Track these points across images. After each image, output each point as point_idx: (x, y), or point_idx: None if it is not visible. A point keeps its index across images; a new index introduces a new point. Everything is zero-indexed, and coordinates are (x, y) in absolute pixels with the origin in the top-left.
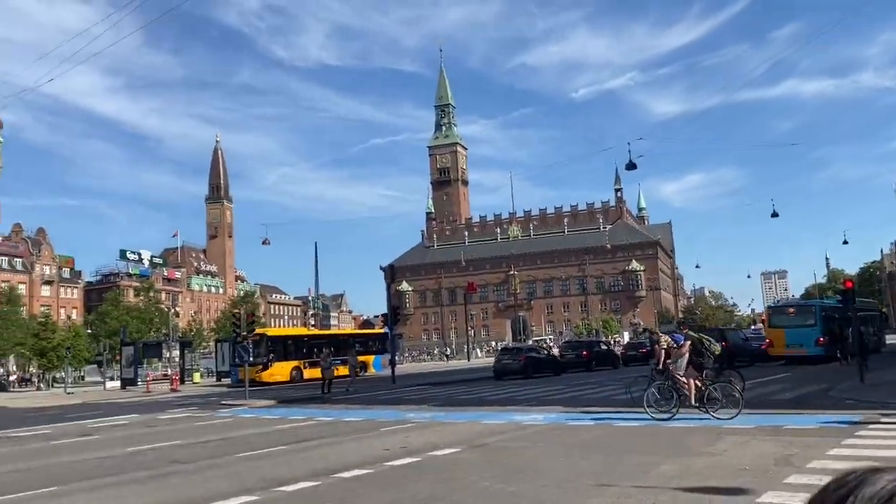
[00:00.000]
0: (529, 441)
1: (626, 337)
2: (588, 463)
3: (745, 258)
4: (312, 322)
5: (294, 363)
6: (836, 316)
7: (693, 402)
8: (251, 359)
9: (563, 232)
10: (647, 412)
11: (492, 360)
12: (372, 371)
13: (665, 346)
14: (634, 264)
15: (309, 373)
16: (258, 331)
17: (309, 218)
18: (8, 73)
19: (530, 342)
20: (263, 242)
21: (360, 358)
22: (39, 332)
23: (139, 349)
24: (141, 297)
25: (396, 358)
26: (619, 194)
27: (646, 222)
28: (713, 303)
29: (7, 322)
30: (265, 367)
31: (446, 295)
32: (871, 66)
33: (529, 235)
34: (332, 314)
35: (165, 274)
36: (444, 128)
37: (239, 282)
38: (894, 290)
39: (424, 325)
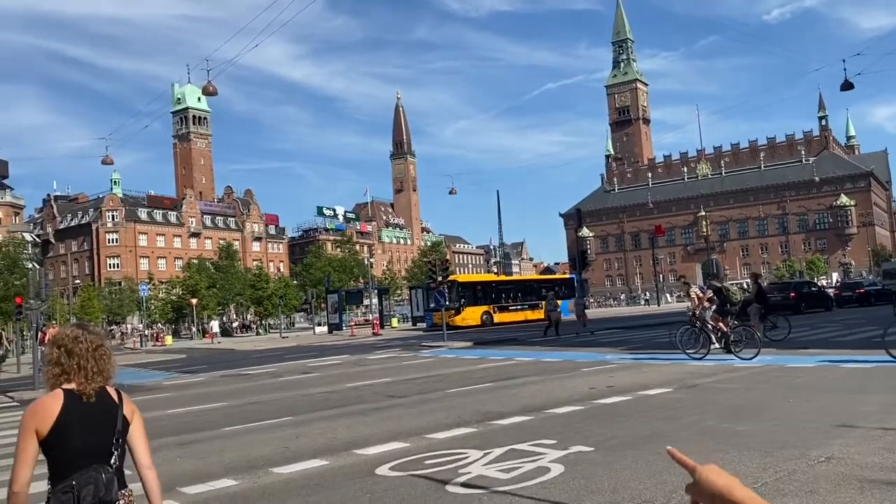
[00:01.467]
0: (745, 383)
1: (835, 278)
2: (818, 404)
3: None
4: (495, 269)
5: (484, 308)
6: None
7: (718, 344)
8: (446, 302)
9: (759, 167)
10: (684, 352)
11: (683, 305)
12: (560, 316)
13: (699, 295)
14: (843, 199)
15: (498, 317)
16: (450, 277)
17: (488, 169)
18: (212, 48)
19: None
20: (450, 192)
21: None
22: (255, 283)
23: (342, 296)
24: (340, 250)
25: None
26: (823, 122)
27: (856, 152)
28: None
29: (227, 275)
30: (457, 312)
31: (629, 240)
32: None
33: (721, 173)
34: (512, 262)
35: (358, 228)
36: (622, 64)
37: (425, 233)
38: None
39: (607, 270)
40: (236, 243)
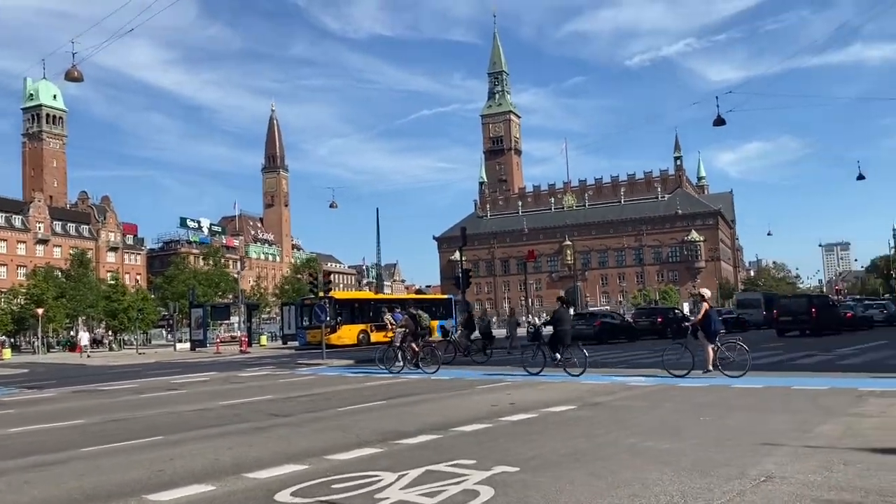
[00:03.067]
0: (647, 401)
1: (686, 308)
2: (733, 422)
3: (805, 230)
4: (367, 289)
5: (361, 326)
6: None
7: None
8: (327, 318)
9: (620, 201)
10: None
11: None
12: (436, 335)
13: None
14: (694, 234)
15: (375, 336)
16: (322, 294)
17: (361, 189)
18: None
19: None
20: (331, 205)
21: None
22: (110, 295)
23: (207, 311)
24: (208, 262)
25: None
26: (678, 162)
27: (705, 192)
28: (776, 274)
29: (79, 284)
30: (333, 330)
31: (499, 265)
32: None
33: (584, 205)
34: (385, 283)
35: (224, 242)
36: (497, 96)
37: (295, 250)
38: None
39: (478, 294)
40: (89, 253)
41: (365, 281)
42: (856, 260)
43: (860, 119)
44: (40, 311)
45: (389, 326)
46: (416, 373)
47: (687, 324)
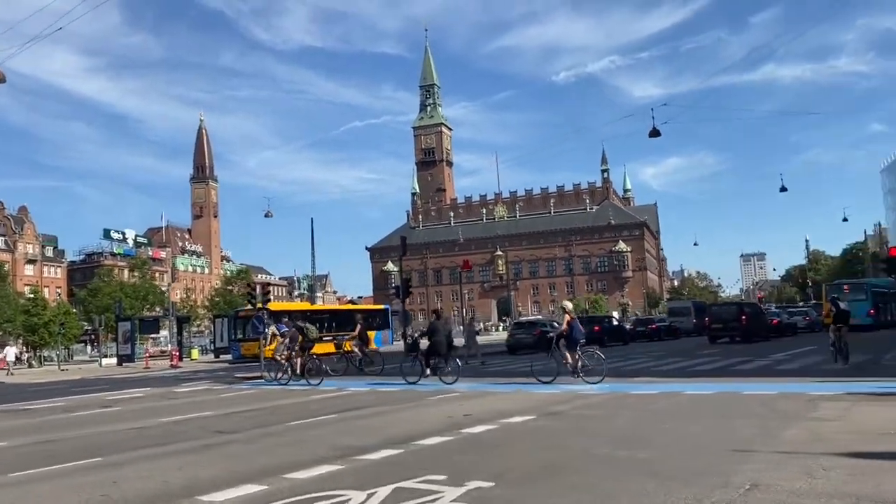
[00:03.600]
0: (605, 409)
1: (615, 316)
2: (699, 429)
3: (724, 241)
4: (300, 301)
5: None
6: (884, 291)
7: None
8: (265, 330)
9: (549, 213)
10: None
11: (485, 338)
12: (373, 346)
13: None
14: (621, 245)
15: (320, 348)
16: (260, 305)
17: (292, 200)
18: None
19: (479, 324)
20: (266, 215)
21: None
22: (29, 309)
23: (136, 325)
24: (134, 274)
25: (392, 335)
26: (605, 175)
27: (631, 204)
28: (699, 283)
29: None
30: (268, 342)
31: (432, 275)
32: (848, 51)
33: (515, 216)
34: (316, 294)
35: (150, 253)
36: (428, 108)
37: (224, 262)
38: (877, 271)
39: (410, 305)
40: (7, 265)
41: (296, 292)
42: (774, 269)
43: (773, 135)
44: None
45: (278, 340)
46: (300, 384)
47: (552, 334)
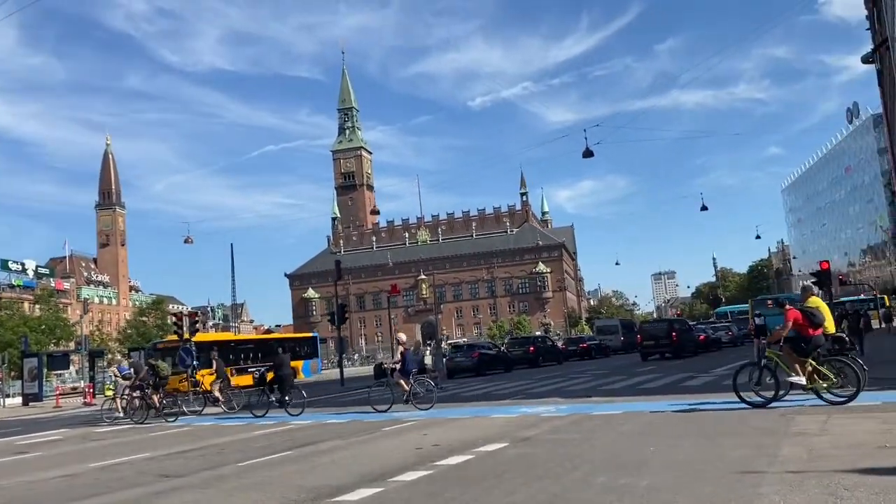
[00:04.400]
0: (576, 432)
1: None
2: (688, 451)
3: (636, 261)
4: (214, 331)
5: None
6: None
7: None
8: (194, 362)
9: (471, 236)
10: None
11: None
12: (301, 377)
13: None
14: (541, 266)
15: (236, 380)
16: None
17: (203, 226)
18: None
19: (444, 345)
20: (186, 241)
21: (290, 363)
22: None
23: (43, 361)
24: (37, 307)
25: (321, 363)
26: (524, 198)
27: (549, 226)
28: (616, 302)
29: None
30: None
31: (355, 301)
32: (745, 78)
33: (438, 240)
34: (231, 324)
35: (53, 285)
36: (347, 132)
37: (133, 292)
38: (781, 286)
39: (332, 331)
40: None
41: (210, 322)
42: (688, 287)
43: (679, 158)
44: None
45: (114, 378)
46: (156, 422)
47: (386, 365)
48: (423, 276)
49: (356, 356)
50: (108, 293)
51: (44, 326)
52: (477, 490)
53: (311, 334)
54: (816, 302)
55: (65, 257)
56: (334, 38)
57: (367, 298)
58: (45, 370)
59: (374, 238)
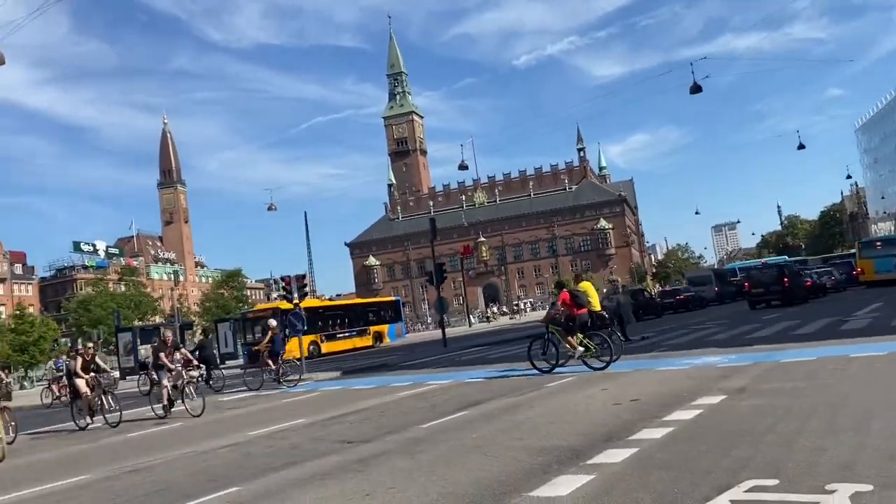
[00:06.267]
0: (790, 381)
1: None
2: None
3: (692, 213)
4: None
5: (311, 337)
6: None
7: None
8: (304, 327)
9: (529, 195)
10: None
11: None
12: (387, 341)
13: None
14: (603, 222)
15: (326, 346)
16: (271, 305)
17: (258, 201)
18: None
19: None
20: (269, 208)
21: (375, 328)
22: (16, 327)
23: (136, 334)
24: (124, 284)
25: (405, 327)
26: (581, 154)
27: (607, 181)
28: (681, 256)
29: None
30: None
31: (415, 267)
32: (802, 18)
33: (495, 201)
34: (294, 295)
35: (123, 263)
36: (398, 97)
37: (199, 268)
38: (857, 230)
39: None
40: None
41: (274, 295)
42: (753, 233)
43: (735, 106)
44: None
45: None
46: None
47: (255, 349)
48: (482, 239)
49: (429, 320)
50: (176, 270)
51: (130, 302)
52: (757, 445)
53: (393, 298)
54: (585, 285)
55: (132, 237)
56: (375, 5)
57: (427, 264)
58: (138, 344)
59: (430, 203)
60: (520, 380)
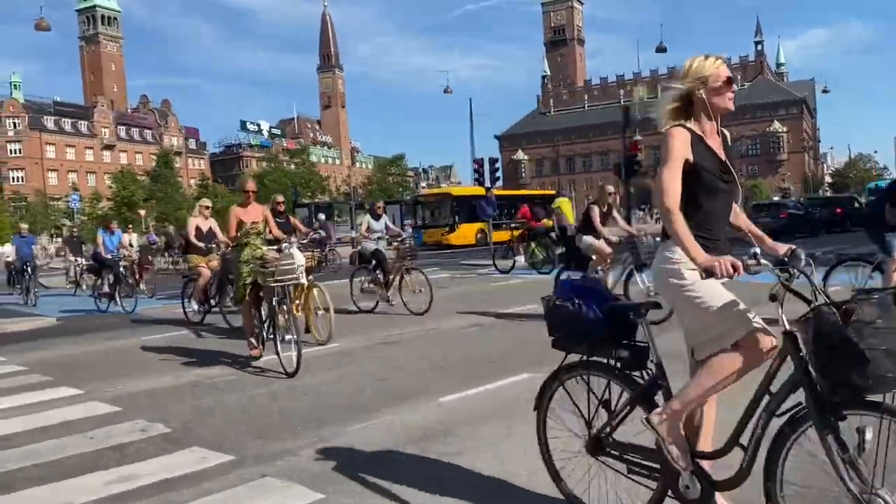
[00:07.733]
0: None
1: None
2: None
3: (873, 121)
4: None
5: (479, 225)
6: None
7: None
8: (495, 212)
9: None
10: None
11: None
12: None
13: None
14: (776, 125)
15: (495, 235)
16: (442, 190)
17: (407, 90)
18: None
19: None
20: (445, 90)
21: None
22: (200, 197)
23: (312, 210)
24: (295, 161)
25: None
26: (759, 48)
27: (785, 80)
28: (863, 165)
29: (167, 186)
30: (452, 230)
31: (564, 163)
32: None
33: (656, 97)
34: (442, 185)
35: (285, 144)
36: None
37: (354, 152)
38: None
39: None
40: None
41: (423, 183)
42: None
43: None
44: (143, 212)
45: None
46: None
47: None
48: (638, 137)
49: None
50: (333, 153)
51: (301, 180)
52: None
53: (552, 191)
54: (561, 202)
55: (292, 119)
56: None
57: (576, 160)
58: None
59: (585, 97)
60: None
